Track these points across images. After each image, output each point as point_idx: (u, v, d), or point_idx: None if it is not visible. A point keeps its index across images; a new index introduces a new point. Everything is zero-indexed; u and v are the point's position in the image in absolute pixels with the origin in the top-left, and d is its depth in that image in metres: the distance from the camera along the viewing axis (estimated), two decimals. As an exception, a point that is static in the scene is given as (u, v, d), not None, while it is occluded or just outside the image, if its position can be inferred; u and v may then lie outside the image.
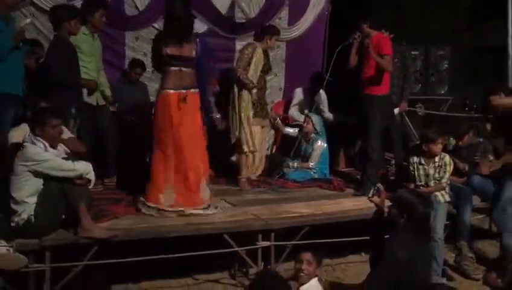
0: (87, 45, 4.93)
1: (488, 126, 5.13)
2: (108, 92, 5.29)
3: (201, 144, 4.45)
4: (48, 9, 5.65)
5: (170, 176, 4.27)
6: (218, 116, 6.21)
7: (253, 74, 5.19)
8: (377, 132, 5.13)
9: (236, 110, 5.22)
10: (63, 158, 3.72)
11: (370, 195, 3.34)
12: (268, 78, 7.29)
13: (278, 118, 6.36)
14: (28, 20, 4.74)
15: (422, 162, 4.52)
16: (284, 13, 7.10)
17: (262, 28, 5.58)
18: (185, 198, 4.28)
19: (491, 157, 4.95)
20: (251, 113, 5.21)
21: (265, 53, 5.43)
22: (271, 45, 5.49)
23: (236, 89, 5.24)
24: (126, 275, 4.02)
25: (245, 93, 5.17)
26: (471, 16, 12.90)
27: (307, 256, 3.14)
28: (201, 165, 4.38)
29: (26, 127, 3.91)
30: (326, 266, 4.21)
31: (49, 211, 3.61)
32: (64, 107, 4.42)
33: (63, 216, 3.73)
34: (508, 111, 4.27)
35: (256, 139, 5.29)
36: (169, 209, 4.25)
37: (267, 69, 5.47)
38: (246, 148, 5.23)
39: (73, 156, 3.84)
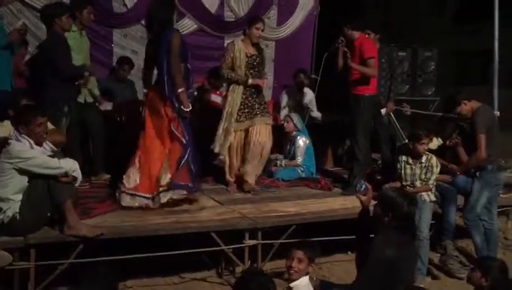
0: (75, 42, 4.90)
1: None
2: (96, 91, 5.27)
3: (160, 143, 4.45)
4: (35, 5, 5.64)
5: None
6: None
7: (237, 69, 4.99)
8: (364, 131, 5.17)
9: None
10: (49, 156, 3.69)
11: (358, 191, 3.36)
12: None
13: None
14: (21, 22, 4.79)
15: (410, 161, 4.57)
16: (273, 13, 7.14)
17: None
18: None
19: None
20: (235, 115, 5.00)
21: (255, 46, 5.14)
22: (254, 34, 5.05)
23: (228, 89, 5.13)
24: (112, 273, 3.99)
25: (234, 93, 5.02)
26: (459, 19, 13.06)
27: (298, 254, 3.15)
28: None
29: (9, 123, 3.88)
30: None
31: (34, 208, 3.58)
32: (57, 104, 4.42)
33: (49, 214, 3.70)
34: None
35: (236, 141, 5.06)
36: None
37: (259, 62, 5.12)
38: (216, 149, 5.03)
39: (59, 153, 3.82)
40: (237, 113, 5.00)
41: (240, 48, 4.99)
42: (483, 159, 4.53)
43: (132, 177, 4.39)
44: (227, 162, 5.13)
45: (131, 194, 4.36)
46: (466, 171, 4.75)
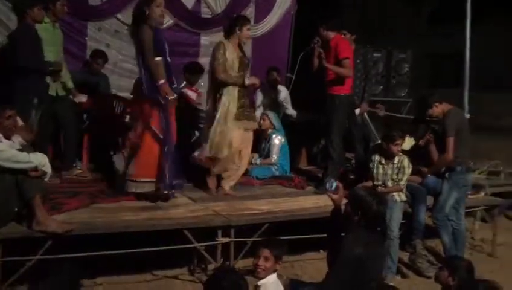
0: (47, 34, 4.82)
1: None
2: (70, 84, 5.17)
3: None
4: (5, -4, 5.51)
5: None
6: None
7: (230, 70, 4.80)
8: (338, 130, 5.22)
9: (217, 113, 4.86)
10: (18, 150, 3.61)
11: (328, 189, 3.38)
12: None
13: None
14: None
15: (382, 161, 4.63)
16: (251, 10, 7.13)
17: (230, 21, 5.07)
18: None
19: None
20: (232, 116, 4.82)
21: (239, 47, 4.97)
22: (245, 36, 4.93)
23: (220, 91, 4.85)
24: (82, 270, 3.93)
25: (229, 95, 4.82)
26: (434, 21, 13.27)
27: (265, 252, 3.15)
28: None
29: None
30: (285, 263, 4.24)
31: (1, 203, 3.50)
32: (27, 96, 4.34)
33: (16, 209, 3.62)
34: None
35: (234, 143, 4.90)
36: None
37: (247, 64, 5.01)
38: (210, 153, 4.88)
39: (29, 147, 3.74)
40: (235, 113, 4.83)
41: (231, 50, 4.83)
42: (451, 161, 4.64)
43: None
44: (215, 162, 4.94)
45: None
46: (435, 172, 4.85)
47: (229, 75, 4.79)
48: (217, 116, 4.81)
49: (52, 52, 4.84)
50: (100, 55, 5.90)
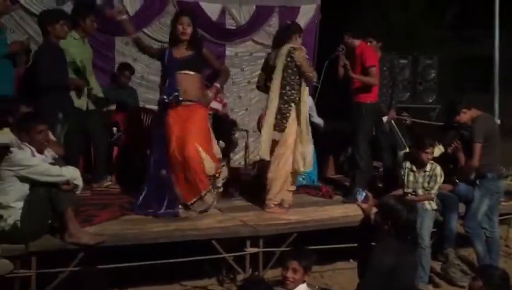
0: (77, 50, 4.91)
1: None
2: (100, 94, 5.26)
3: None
4: (37, 12, 5.67)
5: None
6: None
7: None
8: (365, 139, 5.18)
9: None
10: (50, 163, 3.69)
11: (358, 200, 3.35)
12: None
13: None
14: (26, 37, 4.79)
15: (414, 169, 4.56)
16: (274, 20, 7.18)
17: (284, 29, 5.02)
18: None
19: None
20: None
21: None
22: (299, 42, 4.87)
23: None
24: (113, 281, 3.99)
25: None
26: (459, 26, 13.08)
27: (293, 264, 3.14)
28: None
29: (9, 130, 3.88)
30: (314, 273, 4.21)
31: (35, 216, 3.57)
32: (51, 112, 4.40)
33: (50, 221, 3.70)
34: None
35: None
36: None
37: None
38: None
39: (61, 161, 3.82)
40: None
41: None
42: (478, 168, 4.56)
43: None
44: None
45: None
46: (463, 178, 4.75)
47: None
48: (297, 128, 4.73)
49: (82, 67, 4.94)
50: (127, 68, 6.01)
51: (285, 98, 4.72)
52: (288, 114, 4.73)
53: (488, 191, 4.61)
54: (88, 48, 5.23)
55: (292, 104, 4.74)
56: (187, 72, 4.45)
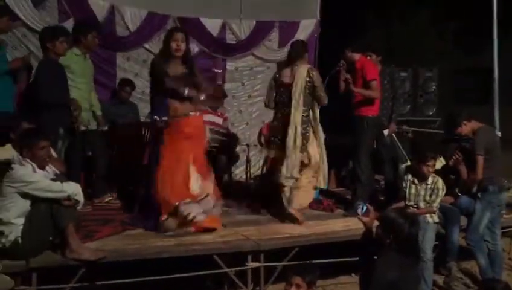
0: (78, 66, 4.94)
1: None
2: (99, 112, 5.29)
3: None
4: (39, 29, 5.72)
5: None
6: None
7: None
8: (366, 152, 5.18)
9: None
10: (52, 179, 3.69)
11: (359, 214, 3.35)
12: (258, 99, 7.41)
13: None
14: (27, 53, 4.82)
15: (416, 181, 4.54)
16: (274, 35, 7.24)
17: (298, 48, 5.00)
18: None
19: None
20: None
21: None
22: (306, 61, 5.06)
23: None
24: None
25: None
26: (459, 38, 13.15)
27: (297, 280, 3.12)
28: None
29: (10, 146, 3.90)
30: (317, 287, 4.18)
31: (36, 232, 3.57)
32: (52, 127, 4.42)
33: (51, 238, 3.69)
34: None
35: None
36: None
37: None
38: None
39: (62, 177, 3.82)
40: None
41: None
42: (480, 180, 4.54)
43: None
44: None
45: None
46: (466, 191, 4.75)
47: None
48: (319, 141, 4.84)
49: (83, 83, 4.96)
50: (128, 84, 6.04)
51: (304, 118, 4.77)
52: (308, 134, 4.79)
53: (489, 204, 4.59)
54: (89, 64, 5.27)
55: (310, 124, 4.81)
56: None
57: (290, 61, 4.92)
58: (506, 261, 5.31)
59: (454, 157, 4.78)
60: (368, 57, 5.40)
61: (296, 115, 4.74)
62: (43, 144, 3.70)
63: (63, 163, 4.12)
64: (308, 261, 3.74)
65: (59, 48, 4.56)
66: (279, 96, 4.90)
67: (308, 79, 4.73)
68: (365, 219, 3.32)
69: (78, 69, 4.92)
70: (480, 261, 4.55)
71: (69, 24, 5.71)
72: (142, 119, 6.18)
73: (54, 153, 4.01)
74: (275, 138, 4.96)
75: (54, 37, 4.54)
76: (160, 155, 4.37)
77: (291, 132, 4.74)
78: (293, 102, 4.75)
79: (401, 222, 3.04)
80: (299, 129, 4.74)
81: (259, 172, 6.41)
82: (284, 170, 4.75)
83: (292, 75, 4.81)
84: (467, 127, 4.64)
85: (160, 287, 4.04)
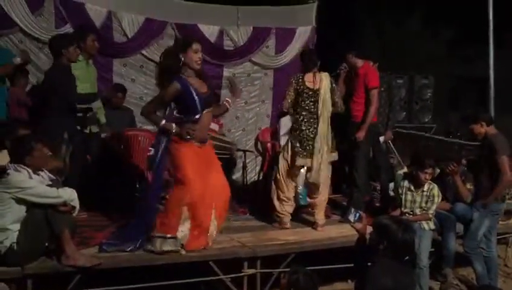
0: (81, 72, 4.98)
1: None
2: (103, 119, 5.29)
3: None
4: (36, 35, 5.74)
5: None
6: None
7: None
8: (363, 158, 5.20)
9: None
10: (48, 185, 3.68)
11: (351, 221, 3.35)
12: (255, 105, 7.41)
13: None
14: (18, 60, 4.84)
15: (412, 188, 4.55)
16: (271, 42, 7.28)
17: (311, 54, 5.06)
18: None
19: (469, 186, 5.00)
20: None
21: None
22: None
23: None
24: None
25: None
26: (454, 46, 13.22)
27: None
28: None
29: (6, 153, 3.89)
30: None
31: (32, 238, 3.55)
32: (57, 132, 4.45)
33: (46, 244, 3.68)
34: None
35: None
36: None
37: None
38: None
39: (58, 183, 3.82)
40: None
41: None
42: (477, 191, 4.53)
43: None
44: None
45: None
46: (497, 197, 4.58)
47: None
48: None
49: (85, 89, 4.98)
50: (119, 89, 6.01)
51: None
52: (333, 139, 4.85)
53: (489, 212, 4.58)
54: (93, 69, 5.31)
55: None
56: (209, 110, 4.06)
57: (308, 68, 4.87)
58: (503, 268, 5.32)
59: (449, 167, 4.71)
60: (372, 64, 5.40)
61: (323, 122, 4.75)
62: (38, 150, 3.69)
63: (60, 161, 4.12)
64: (304, 268, 3.73)
65: (73, 54, 4.68)
66: (303, 101, 4.80)
67: (331, 86, 4.80)
68: (358, 225, 3.32)
69: (81, 75, 4.94)
70: (477, 268, 4.55)
71: (66, 30, 5.73)
72: (139, 125, 6.17)
73: (48, 152, 3.92)
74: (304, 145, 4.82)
75: (70, 43, 4.66)
76: (176, 168, 3.98)
77: (319, 139, 4.74)
78: (323, 110, 4.74)
79: (394, 228, 3.03)
80: (327, 136, 4.78)
81: (255, 178, 6.41)
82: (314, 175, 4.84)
83: (315, 81, 4.78)
84: (482, 128, 4.54)
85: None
